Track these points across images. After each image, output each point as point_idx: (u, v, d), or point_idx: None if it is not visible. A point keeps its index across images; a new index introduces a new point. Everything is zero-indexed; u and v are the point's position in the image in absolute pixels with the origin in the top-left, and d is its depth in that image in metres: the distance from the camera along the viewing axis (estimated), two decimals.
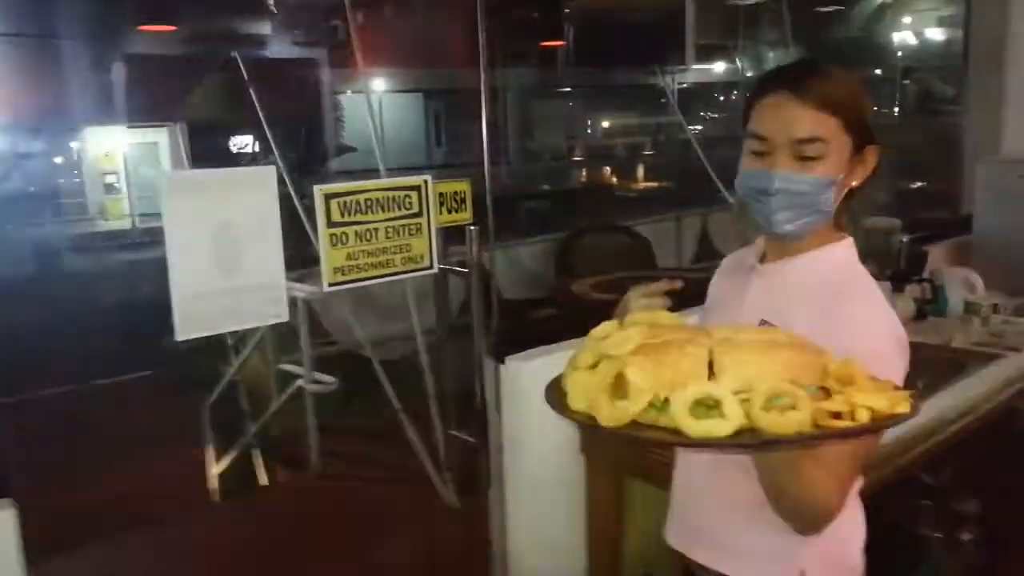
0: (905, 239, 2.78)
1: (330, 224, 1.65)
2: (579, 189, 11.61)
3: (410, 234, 1.78)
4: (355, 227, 1.68)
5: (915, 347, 2.56)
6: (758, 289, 1.17)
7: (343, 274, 1.69)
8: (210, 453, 3.82)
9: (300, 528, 3.34)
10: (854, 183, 1.11)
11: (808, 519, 1.00)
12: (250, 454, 3.86)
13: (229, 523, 3.48)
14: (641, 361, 0.79)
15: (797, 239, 1.13)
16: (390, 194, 1.75)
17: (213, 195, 1.43)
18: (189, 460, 3.82)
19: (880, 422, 0.79)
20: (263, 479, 3.79)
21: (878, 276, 2.71)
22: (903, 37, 9.49)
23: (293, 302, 3.53)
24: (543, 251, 5.76)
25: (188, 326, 1.43)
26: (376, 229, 1.72)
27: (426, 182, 1.80)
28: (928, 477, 2.62)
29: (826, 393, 0.80)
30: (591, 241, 5.86)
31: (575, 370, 0.85)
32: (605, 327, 0.89)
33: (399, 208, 1.76)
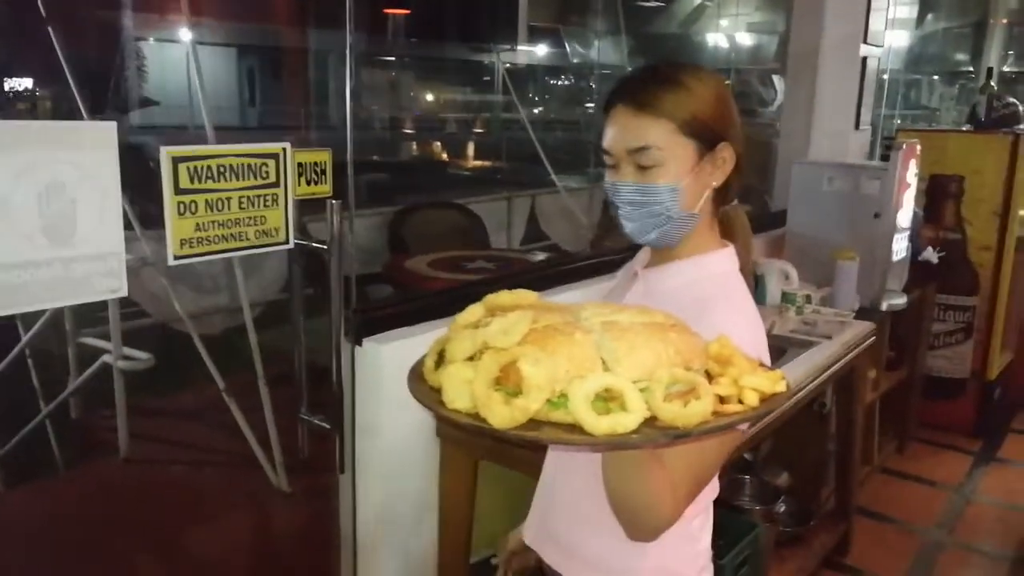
0: None
1: (177, 191, 1.50)
2: (411, 163, 11.45)
3: (265, 205, 1.66)
4: (205, 195, 1.54)
5: None
6: (634, 294, 1.16)
7: (191, 246, 1.53)
8: None
9: (103, 516, 3.04)
10: (715, 184, 1.10)
11: (643, 525, 0.94)
12: (43, 437, 3.45)
13: (15, 511, 3.10)
14: (534, 352, 0.72)
15: (666, 246, 1.12)
16: (245, 161, 1.61)
17: (42, 152, 1.24)
18: None
19: (768, 403, 0.76)
20: (58, 464, 3.41)
21: None
22: (716, 39, 10.19)
23: None
24: (375, 225, 5.61)
25: (7, 300, 1.22)
26: (229, 198, 1.58)
27: (284, 150, 1.68)
28: (747, 454, 2.86)
29: (708, 377, 0.77)
30: (424, 217, 5.80)
31: (450, 363, 0.75)
32: (472, 312, 0.82)
33: (255, 177, 1.63)
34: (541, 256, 5.33)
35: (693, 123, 1.04)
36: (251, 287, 3.55)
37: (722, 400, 0.74)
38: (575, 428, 0.69)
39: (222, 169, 1.56)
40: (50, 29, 4.13)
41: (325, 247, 1.79)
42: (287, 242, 1.70)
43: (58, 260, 1.27)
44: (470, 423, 0.70)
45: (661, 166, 1.04)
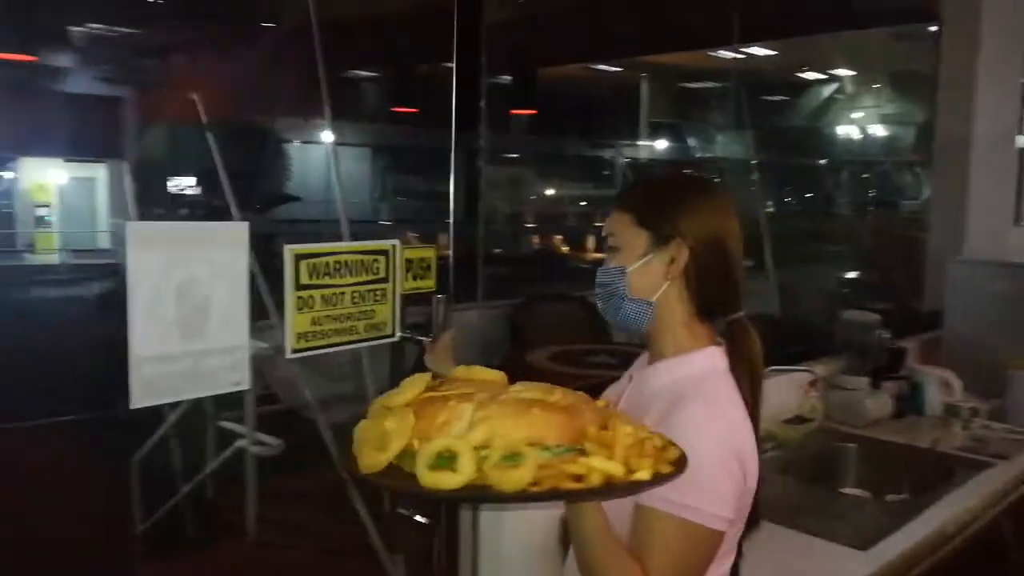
0: (884, 335, 2.77)
1: (298, 286, 1.54)
2: (532, 256, 11.62)
3: (375, 300, 1.69)
4: (322, 291, 1.58)
5: (898, 448, 2.53)
6: (627, 396, 1.21)
7: (306, 340, 1.57)
8: (135, 510, 3.53)
9: None
10: (670, 278, 1.15)
11: None
12: (180, 515, 3.58)
13: None
14: (402, 412, 0.87)
15: (651, 338, 1.18)
16: (359, 258, 1.65)
17: (180, 249, 1.31)
18: (112, 515, 3.52)
19: (612, 487, 0.84)
20: (193, 543, 3.51)
21: (857, 371, 2.74)
22: (847, 131, 9.94)
23: None
24: (495, 318, 5.66)
25: (145, 393, 1.27)
26: (343, 293, 1.62)
27: (395, 247, 1.74)
28: None
29: (581, 455, 0.85)
30: (545, 309, 5.80)
31: (364, 419, 0.92)
32: (423, 378, 0.95)
33: (367, 272, 1.67)
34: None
35: (648, 218, 1.15)
36: (378, 375, 3.62)
37: (580, 479, 0.83)
38: (414, 482, 0.82)
39: (338, 265, 1.60)
40: (208, 135, 4.48)
41: (429, 339, 1.82)
42: (393, 335, 1.74)
43: (190, 354, 1.32)
44: (345, 467, 0.89)
45: (618, 251, 1.17)
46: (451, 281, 2.16)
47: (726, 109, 9.04)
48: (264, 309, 3.46)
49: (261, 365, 3.71)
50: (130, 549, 3.36)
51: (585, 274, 10.02)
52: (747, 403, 1.12)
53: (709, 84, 9.97)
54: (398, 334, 1.73)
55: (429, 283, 1.95)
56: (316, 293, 1.56)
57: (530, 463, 0.81)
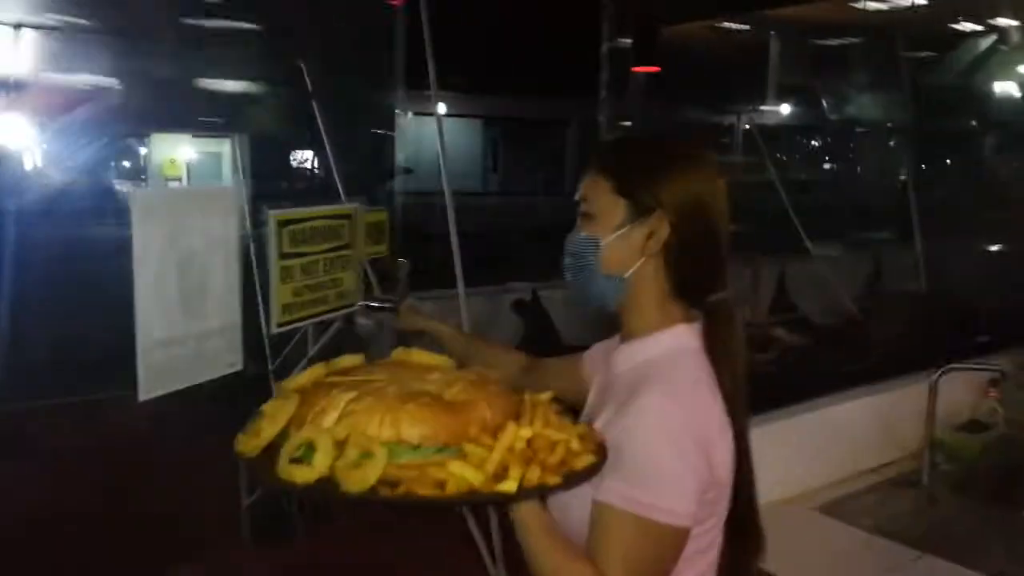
0: None
1: (281, 255, 1.47)
2: None
3: (342, 267, 1.65)
4: (300, 260, 1.53)
5: None
6: (599, 382, 1.15)
7: (289, 313, 1.51)
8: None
9: None
10: (648, 253, 1.06)
11: None
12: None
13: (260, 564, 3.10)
14: (286, 396, 0.86)
15: (623, 316, 1.10)
16: (328, 223, 1.60)
17: (179, 219, 1.16)
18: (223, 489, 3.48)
19: (472, 496, 0.78)
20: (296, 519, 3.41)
21: None
22: (1006, 88, 8.88)
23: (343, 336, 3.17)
24: None
25: (153, 381, 1.11)
26: (317, 262, 1.58)
27: (356, 210, 1.69)
28: None
29: (460, 456, 0.80)
30: None
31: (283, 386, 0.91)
32: (308, 375, 0.94)
33: (335, 238, 1.63)
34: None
35: (628, 186, 1.05)
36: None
37: (440, 483, 0.78)
38: (274, 472, 0.80)
39: (314, 232, 1.53)
40: (314, 103, 4.35)
41: (392, 305, 1.63)
42: (355, 303, 1.69)
43: (192, 336, 1.18)
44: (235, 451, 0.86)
45: (592, 219, 1.07)
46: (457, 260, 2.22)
47: (865, 67, 8.23)
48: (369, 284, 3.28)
49: (371, 344, 3.56)
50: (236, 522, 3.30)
51: None
52: (723, 389, 1.04)
53: (846, 40, 9.14)
54: (359, 302, 1.67)
55: (382, 248, 1.93)
56: (296, 263, 1.50)
57: (377, 463, 0.77)
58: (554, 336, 4.63)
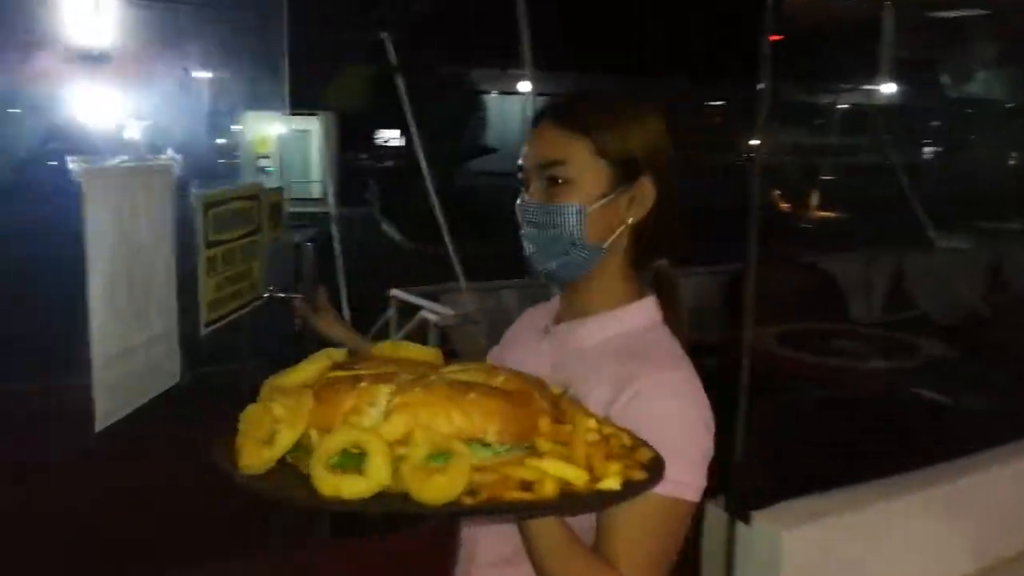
0: None
1: (208, 243, 1.26)
2: (745, 212, 10.59)
3: (251, 255, 1.45)
4: (222, 248, 1.32)
5: None
6: (546, 355, 1.03)
7: (214, 310, 1.29)
8: None
9: None
10: (629, 219, 0.98)
11: None
12: None
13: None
14: (297, 394, 0.69)
15: (581, 289, 1.01)
16: (244, 205, 1.40)
17: (128, 204, 0.92)
18: None
19: (570, 499, 0.66)
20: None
21: None
22: None
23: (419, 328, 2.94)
24: (707, 286, 4.93)
25: (109, 404, 0.88)
26: (234, 249, 1.37)
27: (262, 190, 1.50)
28: None
29: (531, 454, 0.69)
30: (767, 277, 4.99)
31: (250, 405, 0.72)
32: (329, 353, 0.77)
33: (247, 223, 1.43)
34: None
35: (612, 147, 0.96)
36: None
37: (526, 486, 0.66)
38: (312, 487, 0.64)
39: (234, 216, 1.35)
40: (397, 79, 4.16)
41: (298, 296, 1.39)
42: (262, 295, 1.49)
43: (142, 346, 1.00)
44: (217, 465, 0.68)
45: (570, 184, 0.95)
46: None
47: (992, 42, 7.48)
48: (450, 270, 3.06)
49: (455, 338, 3.34)
50: None
51: (807, 235, 8.86)
52: None
53: (970, 12, 8.34)
54: (264, 293, 1.51)
55: (279, 232, 1.75)
56: (218, 252, 1.31)
57: (462, 466, 0.64)
58: None
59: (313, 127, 18.32)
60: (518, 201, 0.99)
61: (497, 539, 0.98)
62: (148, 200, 0.96)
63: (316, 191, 17.08)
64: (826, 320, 4.44)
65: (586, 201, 0.95)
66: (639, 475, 0.71)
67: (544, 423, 0.71)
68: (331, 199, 5.40)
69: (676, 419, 0.90)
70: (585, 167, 0.95)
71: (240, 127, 19.01)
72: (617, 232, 0.98)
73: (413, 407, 0.66)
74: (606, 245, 0.98)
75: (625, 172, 0.97)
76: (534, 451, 0.69)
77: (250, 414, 0.71)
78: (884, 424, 2.77)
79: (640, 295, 1.02)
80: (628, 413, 0.86)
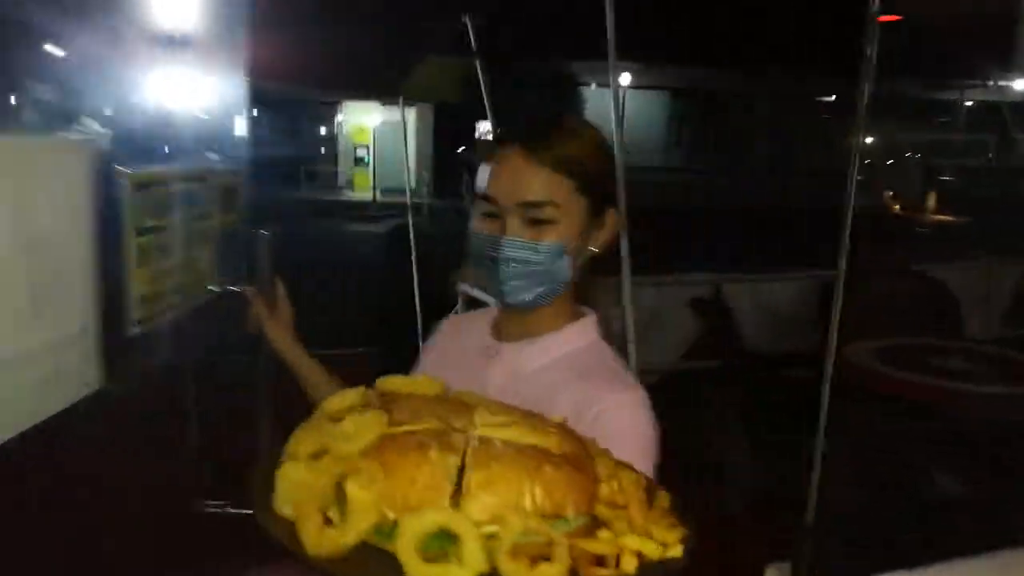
0: None
1: (138, 231, 1.11)
2: (853, 216, 9.97)
3: (200, 242, 1.32)
4: (158, 235, 1.18)
5: None
6: (501, 375, 1.03)
7: (147, 306, 1.14)
8: None
9: None
10: (593, 249, 1.03)
11: None
12: None
13: None
14: (368, 470, 0.64)
15: (533, 310, 1.02)
16: (187, 186, 1.25)
17: (26, 182, 0.76)
18: None
19: (647, 571, 0.64)
20: None
21: None
22: None
23: None
24: (801, 292, 4.57)
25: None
26: (174, 237, 1.24)
27: (210, 170, 1.36)
28: None
29: (594, 524, 0.67)
30: (870, 286, 4.61)
31: (291, 458, 0.67)
32: (345, 397, 0.74)
33: (191, 205, 1.29)
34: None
35: (593, 184, 0.99)
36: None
37: (599, 561, 0.64)
38: (397, 565, 0.60)
39: (172, 198, 1.21)
40: (477, 64, 4.03)
41: (250, 289, 1.24)
42: (212, 288, 1.33)
43: (47, 350, 0.83)
44: (281, 539, 0.63)
45: (556, 223, 0.97)
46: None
47: None
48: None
49: None
50: None
51: (921, 240, 8.21)
52: None
53: None
54: (215, 287, 1.35)
55: (234, 217, 1.54)
56: (153, 240, 1.17)
57: (563, 553, 0.61)
58: (736, 341, 3.99)
59: (410, 118, 18.59)
60: (484, 234, 0.98)
61: None
62: (56, 181, 0.82)
63: (412, 181, 17.29)
64: (936, 335, 4.03)
65: (569, 238, 0.97)
66: (679, 532, 0.69)
67: (604, 489, 0.70)
68: (409, 189, 5.33)
69: (637, 438, 0.93)
70: (569, 206, 0.97)
71: (340, 117, 19.49)
72: (581, 261, 1.01)
73: (494, 485, 0.64)
74: (573, 274, 1.00)
75: (597, 206, 1.00)
76: (597, 521, 0.67)
77: (291, 476, 0.66)
78: (1006, 470, 2.44)
79: (580, 314, 1.05)
80: (593, 434, 0.82)
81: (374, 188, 16.99)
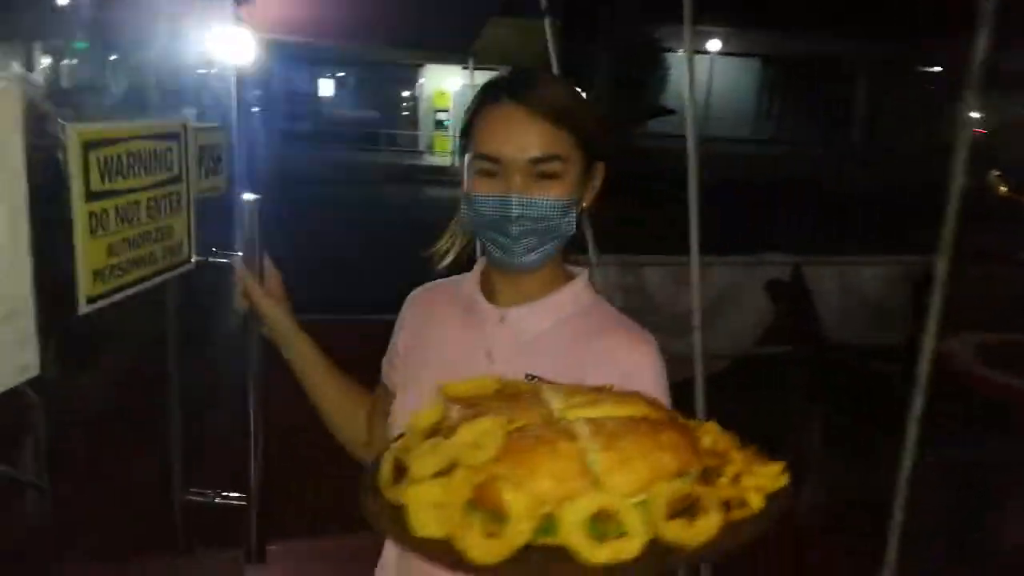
0: None
1: (89, 195, 0.98)
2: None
3: (171, 209, 1.16)
4: (116, 200, 1.03)
5: None
6: (507, 341, 1.01)
7: (104, 281, 1.01)
8: None
9: None
10: (585, 204, 1.03)
11: None
12: None
13: None
14: (513, 472, 0.67)
15: (530, 271, 1.01)
16: (151, 145, 1.09)
17: None
18: None
19: (776, 504, 0.70)
20: None
21: None
22: None
23: None
24: (891, 278, 4.21)
25: None
26: (138, 203, 1.08)
27: (186, 126, 1.18)
28: None
29: (706, 478, 0.71)
30: (971, 273, 4.22)
31: (415, 482, 0.68)
32: (429, 414, 0.76)
33: (160, 168, 1.11)
34: None
35: (589, 138, 0.99)
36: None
37: (727, 505, 0.69)
38: (564, 554, 0.64)
39: (134, 159, 1.05)
40: (547, 22, 3.82)
41: (235, 255, 1.13)
42: (189, 259, 1.19)
43: None
44: (442, 556, 0.65)
45: (561, 178, 0.96)
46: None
47: None
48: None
49: None
50: None
51: None
52: None
53: None
54: (194, 256, 1.20)
55: (220, 181, 1.40)
56: (110, 205, 1.03)
57: (714, 503, 0.67)
58: (815, 327, 3.70)
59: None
60: (492, 193, 0.95)
61: None
62: None
63: None
64: None
65: (571, 193, 0.97)
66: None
67: (705, 440, 0.74)
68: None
69: (659, 384, 0.96)
70: (571, 161, 0.96)
71: (421, 80, 19.47)
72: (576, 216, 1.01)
73: (630, 461, 0.68)
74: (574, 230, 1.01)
75: (590, 160, 0.99)
76: (707, 470, 0.71)
77: (430, 497, 0.67)
78: None
79: (571, 273, 1.05)
80: (625, 387, 0.85)
81: (454, 152, 17.03)
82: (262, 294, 1.08)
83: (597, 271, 2.88)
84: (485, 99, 0.98)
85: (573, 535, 0.64)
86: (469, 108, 1.00)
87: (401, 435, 0.77)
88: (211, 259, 1.16)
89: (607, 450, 0.68)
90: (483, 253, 1.04)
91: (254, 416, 1.13)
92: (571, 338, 0.99)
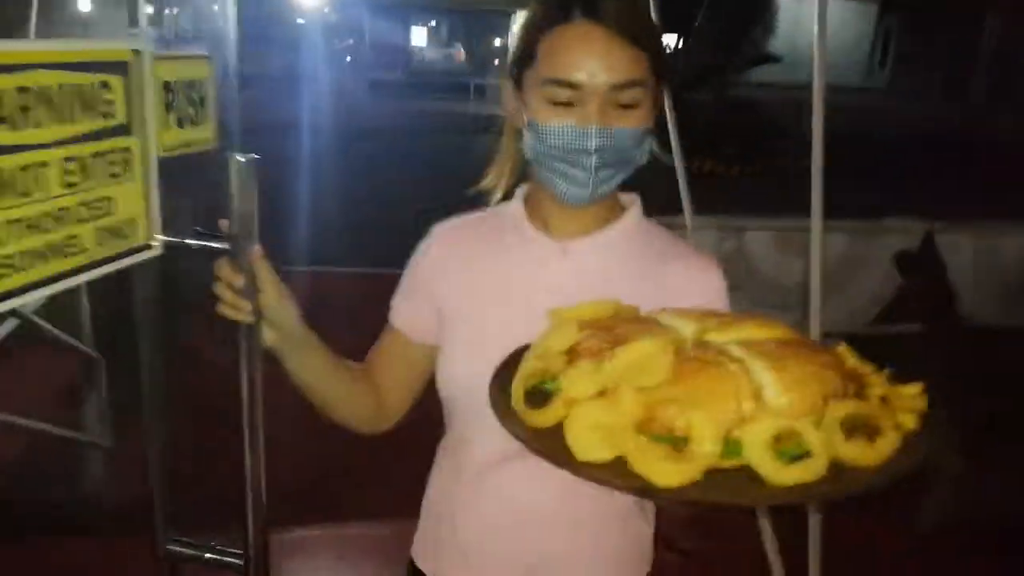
0: None
1: None
2: None
3: (111, 175, 0.78)
4: (22, 158, 0.67)
5: None
6: (570, 274, 0.96)
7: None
8: None
9: None
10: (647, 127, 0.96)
11: None
12: None
13: None
14: (689, 396, 0.66)
15: (593, 203, 0.94)
16: (72, 78, 0.71)
17: None
18: None
19: (930, 425, 0.69)
20: None
21: None
22: None
23: None
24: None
25: None
26: (45, 163, 0.71)
27: (138, 53, 0.78)
28: None
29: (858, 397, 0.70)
30: None
31: (577, 404, 0.68)
32: (565, 336, 0.75)
33: (89, 114, 0.74)
34: None
35: (660, 58, 0.92)
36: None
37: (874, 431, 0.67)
38: (747, 476, 0.63)
39: (38, 99, 0.69)
40: None
41: (226, 246, 0.81)
42: (147, 243, 0.84)
43: None
44: (617, 478, 0.64)
45: (639, 107, 0.89)
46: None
47: None
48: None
49: None
50: None
51: None
52: None
53: None
54: (158, 238, 0.84)
55: (205, 133, 0.98)
56: (10, 166, 0.68)
57: (890, 423, 0.67)
58: (949, 303, 3.24)
59: None
60: (569, 123, 0.87)
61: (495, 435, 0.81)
62: None
63: None
64: None
65: (648, 120, 0.91)
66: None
67: (849, 362, 0.73)
68: None
69: (724, 298, 0.95)
70: (648, 85, 0.89)
71: (514, 28, 19.10)
72: None
73: (802, 382, 0.66)
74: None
75: (658, 81, 0.92)
76: (861, 396, 0.69)
77: (595, 420, 0.65)
78: None
79: (625, 201, 1.00)
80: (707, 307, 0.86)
81: None
82: (283, 291, 0.84)
83: (691, 235, 2.56)
84: (554, 17, 0.87)
85: (759, 456, 0.63)
86: (529, 26, 0.88)
87: (506, 363, 0.76)
88: (193, 241, 0.82)
89: (777, 371, 0.67)
90: (527, 183, 0.98)
91: (251, 472, 0.86)
92: (637, 269, 0.96)
